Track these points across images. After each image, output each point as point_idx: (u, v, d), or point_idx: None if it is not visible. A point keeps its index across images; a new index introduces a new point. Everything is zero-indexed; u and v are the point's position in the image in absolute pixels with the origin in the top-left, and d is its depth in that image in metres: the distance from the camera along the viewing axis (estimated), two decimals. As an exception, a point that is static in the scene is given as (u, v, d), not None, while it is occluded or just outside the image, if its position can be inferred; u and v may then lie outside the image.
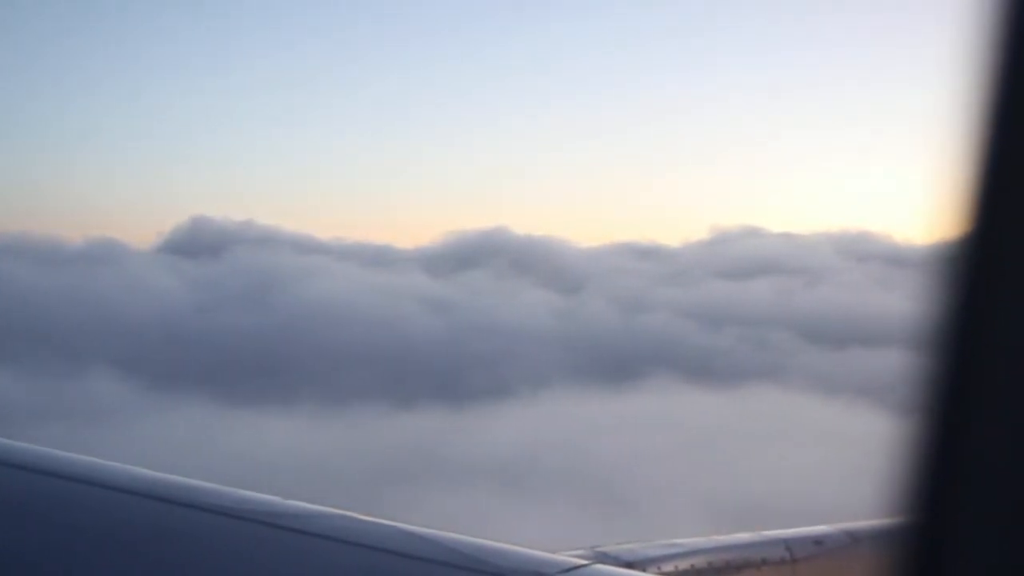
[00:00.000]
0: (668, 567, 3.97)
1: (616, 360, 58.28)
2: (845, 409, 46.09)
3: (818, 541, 4.37)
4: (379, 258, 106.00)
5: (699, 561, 4.08)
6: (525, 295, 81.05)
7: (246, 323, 63.14)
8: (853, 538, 4.40)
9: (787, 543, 4.30)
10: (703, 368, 57.98)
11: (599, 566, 2.93)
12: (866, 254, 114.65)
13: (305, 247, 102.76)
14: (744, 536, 4.35)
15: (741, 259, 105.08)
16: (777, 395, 50.34)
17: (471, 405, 44.00)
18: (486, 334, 65.04)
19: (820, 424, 42.39)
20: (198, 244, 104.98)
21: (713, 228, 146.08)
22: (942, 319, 1.04)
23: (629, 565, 3.80)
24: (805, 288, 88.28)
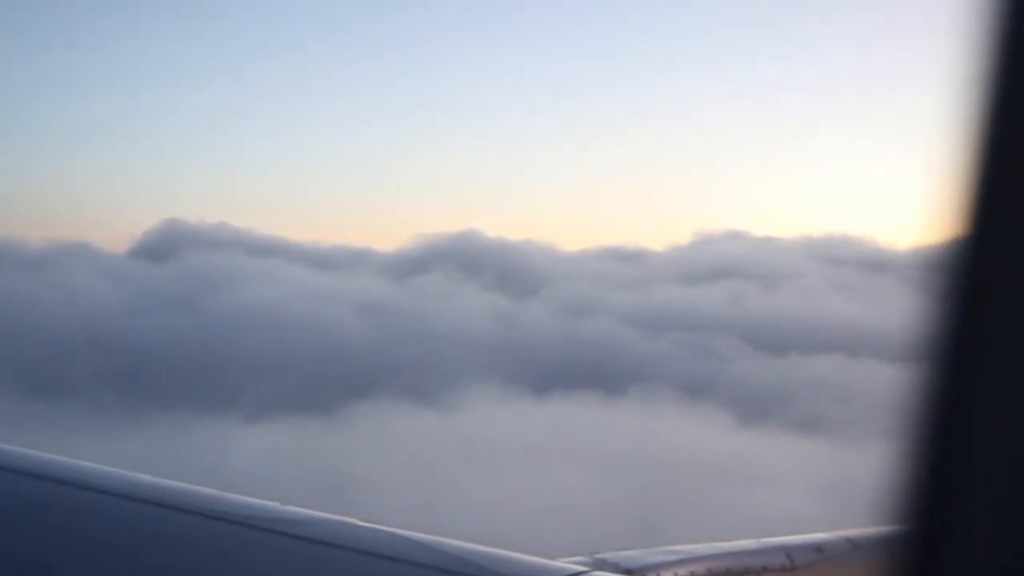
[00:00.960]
0: (667, 574, 3.97)
1: (538, 367, 57.28)
2: (709, 417, 45.07)
3: (819, 548, 4.34)
4: (340, 261, 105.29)
5: (699, 568, 4.06)
6: (476, 299, 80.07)
7: (170, 328, 62.46)
8: (854, 545, 4.36)
9: (787, 550, 4.28)
10: (619, 376, 57.18)
11: (599, 573, 3.02)
12: (842, 259, 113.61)
13: (269, 249, 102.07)
14: (744, 543, 4.31)
15: (712, 263, 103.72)
16: (664, 403, 49.20)
17: (350, 412, 43.31)
18: (416, 339, 64.13)
19: (671, 439, 41.35)
20: (170, 247, 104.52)
21: (695, 232, 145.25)
22: (938, 323, 1.05)
23: (628, 572, 3.85)
24: (764, 293, 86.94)
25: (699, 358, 64.80)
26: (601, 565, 3.70)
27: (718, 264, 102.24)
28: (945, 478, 1.04)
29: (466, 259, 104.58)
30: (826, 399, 52.64)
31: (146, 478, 3.27)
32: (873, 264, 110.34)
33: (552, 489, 31.91)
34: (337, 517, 3.02)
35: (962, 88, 1.01)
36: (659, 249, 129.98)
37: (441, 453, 36.78)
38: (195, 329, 62.40)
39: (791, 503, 28.38)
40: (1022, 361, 1.00)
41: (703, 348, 67.65)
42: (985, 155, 1.01)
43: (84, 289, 73.94)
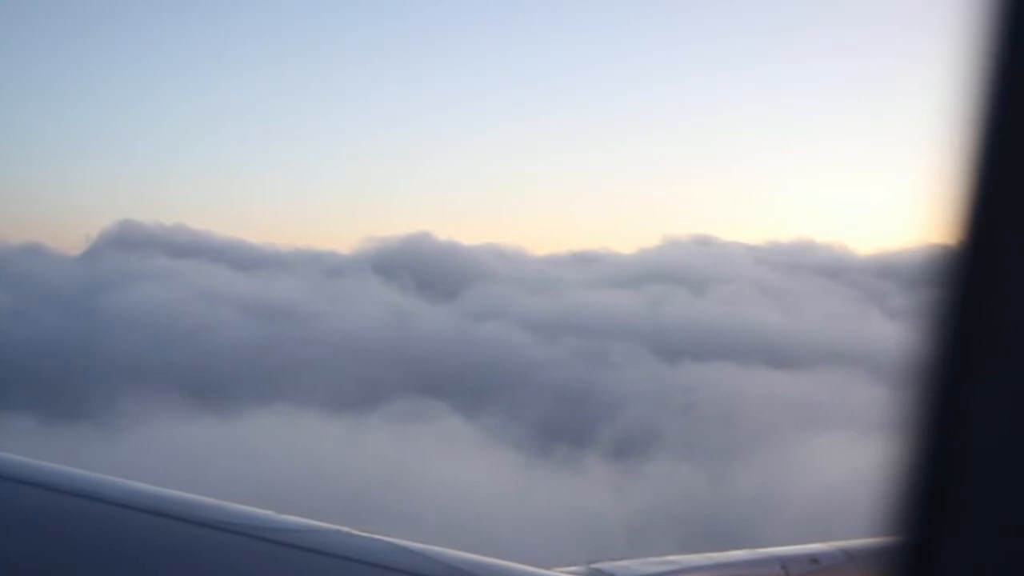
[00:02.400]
0: None
1: (392, 375, 56.34)
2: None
3: (814, 559, 4.30)
4: (286, 263, 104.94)
5: None
6: (382, 303, 79.19)
7: (49, 328, 61.98)
8: (849, 556, 4.32)
9: (782, 561, 4.24)
10: (477, 384, 56.27)
11: None
12: (798, 265, 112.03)
13: (210, 250, 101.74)
14: (740, 553, 4.30)
15: (658, 268, 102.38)
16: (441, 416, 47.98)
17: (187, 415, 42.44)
18: (299, 343, 63.29)
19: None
20: (124, 249, 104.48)
21: (664, 237, 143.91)
22: (931, 331, 1.04)
23: None
24: (691, 299, 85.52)
25: (581, 365, 63.55)
26: (597, 574, 3.74)
27: (663, 269, 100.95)
28: (939, 489, 1.04)
29: (412, 262, 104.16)
30: (674, 413, 51.31)
31: (141, 486, 3.25)
32: (831, 271, 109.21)
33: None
34: (334, 526, 3.02)
35: (954, 91, 1.01)
36: (627, 252, 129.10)
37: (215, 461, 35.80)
38: (72, 329, 61.85)
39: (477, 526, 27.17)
40: (1016, 370, 0.99)
41: (595, 355, 66.45)
42: (980, 159, 1.00)
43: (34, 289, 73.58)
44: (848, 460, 40.99)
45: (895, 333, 78.35)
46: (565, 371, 61.48)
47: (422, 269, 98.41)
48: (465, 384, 57.06)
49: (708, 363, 63.68)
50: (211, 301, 70.04)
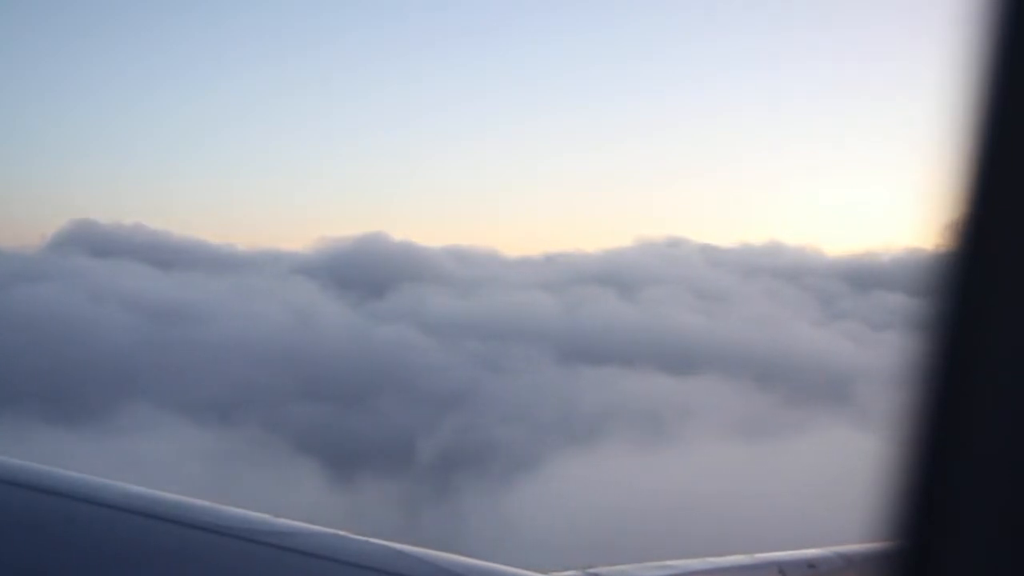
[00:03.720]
0: None
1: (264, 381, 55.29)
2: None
3: (811, 564, 4.25)
4: (229, 263, 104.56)
5: None
6: (299, 303, 78.21)
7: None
8: (847, 561, 4.29)
9: (780, 566, 4.20)
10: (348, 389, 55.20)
11: None
12: (759, 268, 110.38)
13: (152, 250, 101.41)
14: (737, 558, 4.23)
15: (609, 270, 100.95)
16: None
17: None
18: (179, 346, 62.28)
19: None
20: (79, 248, 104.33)
21: (637, 238, 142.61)
22: (930, 333, 1.04)
23: None
24: (616, 302, 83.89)
25: (468, 369, 62.19)
26: None
27: (616, 271, 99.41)
28: (938, 494, 1.04)
29: (360, 263, 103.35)
30: (517, 420, 49.94)
31: (138, 489, 3.22)
32: (791, 273, 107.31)
33: None
34: (331, 530, 3.03)
35: (948, 92, 1.02)
36: (591, 253, 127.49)
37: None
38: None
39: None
40: (1015, 375, 0.99)
41: (489, 359, 65.09)
42: (977, 161, 1.00)
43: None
44: (658, 471, 39.69)
45: (820, 337, 77.49)
46: (444, 376, 60.14)
47: (366, 270, 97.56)
48: (333, 388, 56.09)
49: (601, 368, 62.22)
50: (106, 302, 69.20)
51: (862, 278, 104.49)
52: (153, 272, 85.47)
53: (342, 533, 3.03)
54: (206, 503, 3.13)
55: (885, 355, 71.68)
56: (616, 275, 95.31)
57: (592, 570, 3.78)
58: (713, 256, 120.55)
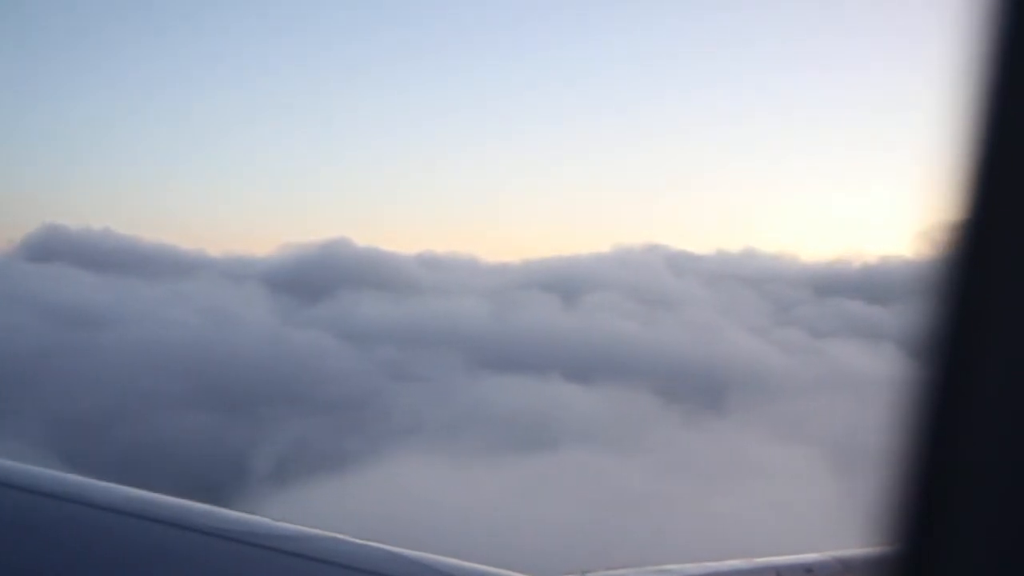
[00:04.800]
0: None
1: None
2: None
3: (808, 569, 4.21)
4: (196, 268, 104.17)
5: None
6: (227, 309, 77.53)
7: None
8: (844, 566, 4.24)
9: (777, 570, 4.21)
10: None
11: None
12: (719, 274, 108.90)
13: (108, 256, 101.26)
14: (735, 563, 4.21)
15: (564, 276, 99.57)
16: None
17: None
18: (86, 352, 61.71)
19: None
20: (48, 252, 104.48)
21: (615, 244, 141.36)
22: (929, 334, 1.04)
23: None
24: (554, 309, 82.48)
25: (368, 376, 61.13)
26: None
27: (571, 277, 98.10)
28: (935, 498, 1.04)
29: (320, 268, 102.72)
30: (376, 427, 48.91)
31: (138, 492, 3.22)
32: (755, 280, 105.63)
33: None
34: (330, 534, 3.04)
35: (943, 94, 1.01)
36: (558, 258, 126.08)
37: None
38: None
39: None
40: (1012, 378, 0.99)
41: (398, 366, 64.00)
42: (973, 166, 1.00)
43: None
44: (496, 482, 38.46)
45: (749, 345, 75.73)
46: (341, 383, 59.14)
47: (323, 276, 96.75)
48: (220, 395, 55.32)
49: (507, 375, 60.94)
50: (20, 307, 68.79)
51: (827, 285, 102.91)
52: (89, 277, 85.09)
53: (339, 536, 3.02)
54: (204, 506, 3.11)
55: (814, 363, 70.49)
56: (570, 281, 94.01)
57: (590, 574, 3.76)
58: (682, 263, 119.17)
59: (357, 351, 67.24)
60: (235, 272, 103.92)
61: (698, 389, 57.23)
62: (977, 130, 0.99)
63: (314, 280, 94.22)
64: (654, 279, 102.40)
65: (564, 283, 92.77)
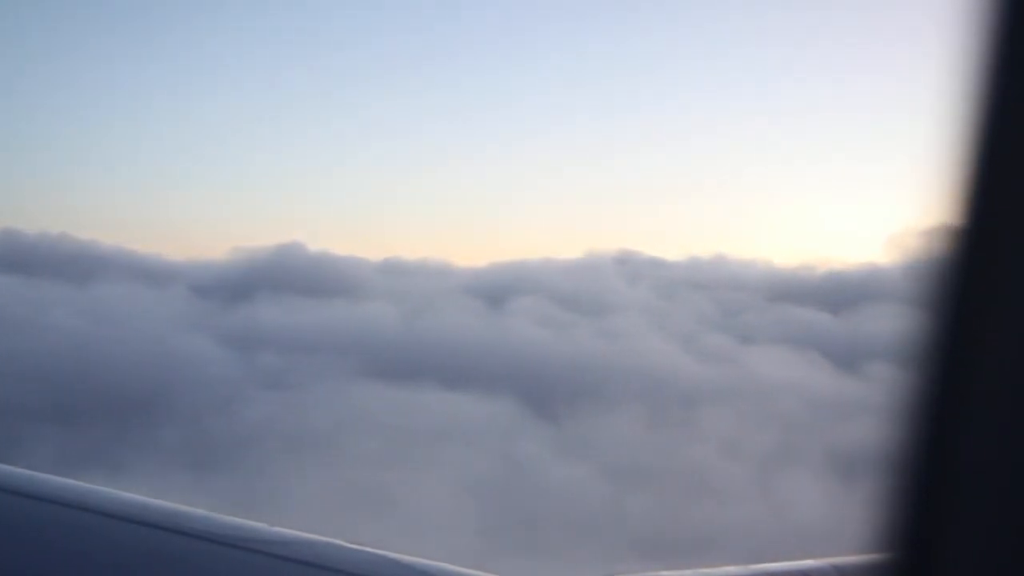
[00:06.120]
0: None
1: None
2: None
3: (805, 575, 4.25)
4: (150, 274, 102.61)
5: None
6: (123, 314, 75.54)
7: None
8: (841, 573, 4.19)
9: None
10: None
11: None
12: (679, 281, 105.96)
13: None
14: (731, 569, 4.19)
15: (506, 282, 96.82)
16: None
17: None
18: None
19: None
20: (6, 259, 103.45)
21: (587, 251, 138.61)
22: (924, 339, 1.03)
23: None
24: (464, 316, 79.69)
25: (239, 384, 58.65)
26: None
27: (515, 283, 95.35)
28: (932, 506, 1.04)
29: (267, 272, 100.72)
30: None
31: (133, 496, 3.19)
32: (708, 285, 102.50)
33: None
34: (326, 539, 3.01)
35: (940, 97, 1.00)
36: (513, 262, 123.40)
37: None
38: None
39: None
40: (1005, 383, 0.99)
41: (277, 374, 61.54)
42: (971, 169, 1.00)
43: None
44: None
45: (658, 352, 72.74)
46: (203, 390, 56.75)
47: (260, 281, 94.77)
48: (76, 403, 53.30)
49: (388, 382, 58.40)
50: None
51: (784, 292, 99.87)
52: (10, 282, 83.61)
53: (337, 542, 2.98)
54: (202, 511, 3.07)
55: (722, 371, 67.54)
56: (511, 287, 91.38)
57: None
58: (647, 269, 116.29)
59: (241, 358, 64.91)
60: (188, 277, 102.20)
61: (571, 395, 54.84)
62: (968, 135, 0.99)
63: (254, 284, 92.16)
64: (603, 286, 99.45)
65: (504, 288, 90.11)
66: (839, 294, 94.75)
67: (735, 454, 42.93)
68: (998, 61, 0.98)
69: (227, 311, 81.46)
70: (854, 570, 4.11)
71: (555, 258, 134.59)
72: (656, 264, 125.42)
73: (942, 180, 1.00)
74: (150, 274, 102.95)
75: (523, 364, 63.28)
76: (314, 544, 2.94)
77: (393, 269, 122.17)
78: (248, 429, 51.00)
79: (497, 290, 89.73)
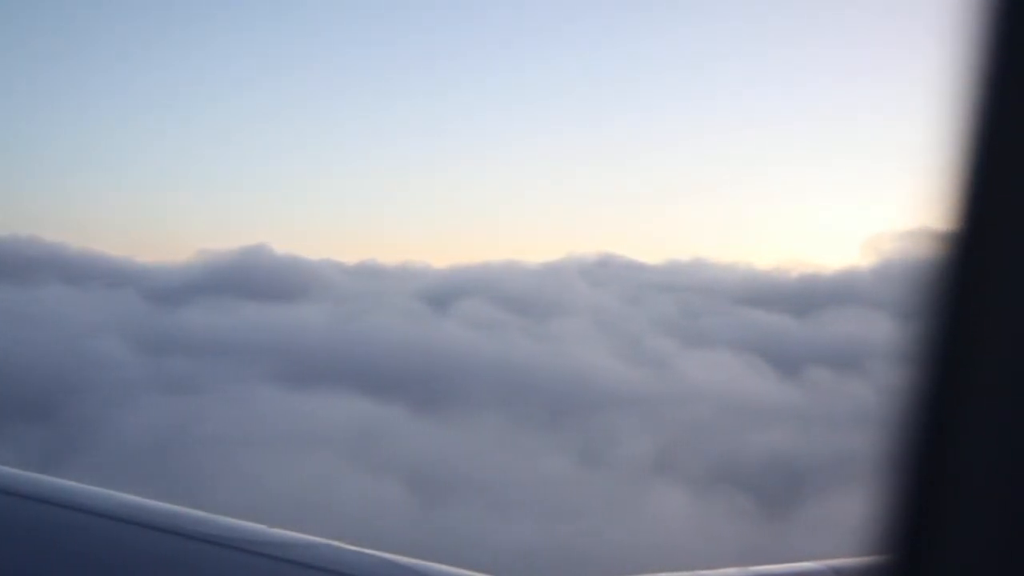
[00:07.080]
0: None
1: None
2: None
3: None
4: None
5: None
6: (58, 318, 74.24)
7: None
8: (839, 575, 4.08)
9: None
10: None
11: None
12: (649, 285, 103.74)
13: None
14: (729, 571, 4.08)
15: (468, 285, 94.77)
16: None
17: None
18: None
19: None
20: None
21: (566, 254, 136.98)
22: (922, 342, 1.03)
23: None
24: (421, 319, 77.67)
25: (140, 387, 56.92)
26: None
27: (476, 286, 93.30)
28: (930, 508, 1.04)
29: (231, 275, 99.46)
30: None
31: (132, 498, 3.17)
32: (675, 288, 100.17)
33: None
34: (326, 540, 3.01)
35: (938, 99, 1.00)
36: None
37: None
38: None
39: None
40: (1005, 387, 0.99)
41: (183, 377, 59.64)
42: (969, 172, 1.00)
43: None
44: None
45: (589, 357, 70.31)
46: (100, 395, 55.03)
47: (220, 283, 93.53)
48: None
49: (304, 387, 56.57)
50: None
51: (752, 295, 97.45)
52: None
53: (338, 544, 2.98)
54: (202, 513, 3.05)
55: (658, 375, 65.13)
56: (461, 289, 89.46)
57: None
58: (621, 272, 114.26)
59: (152, 362, 63.22)
60: (145, 280, 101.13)
61: (461, 398, 52.77)
62: (962, 136, 0.99)
63: (212, 287, 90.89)
64: (564, 289, 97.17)
65: (456, 291, 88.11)
66: (810, 298, 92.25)
67: (593, 463, 40.46)
68: (991, 62, 0.97)
69: (166, 314, 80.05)
70: (852, 572, 3.99)
71: (520, 261, 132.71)
72: (634, 267, 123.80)
73: (929, 182, 0.99)
74: (111, 276, 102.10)
75: (435, 367, 61.21)
76: (311, 545, 2.94)
77: (364, 272, 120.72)
78: (129, 432, 49.25)
79: (449, 293, 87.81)
